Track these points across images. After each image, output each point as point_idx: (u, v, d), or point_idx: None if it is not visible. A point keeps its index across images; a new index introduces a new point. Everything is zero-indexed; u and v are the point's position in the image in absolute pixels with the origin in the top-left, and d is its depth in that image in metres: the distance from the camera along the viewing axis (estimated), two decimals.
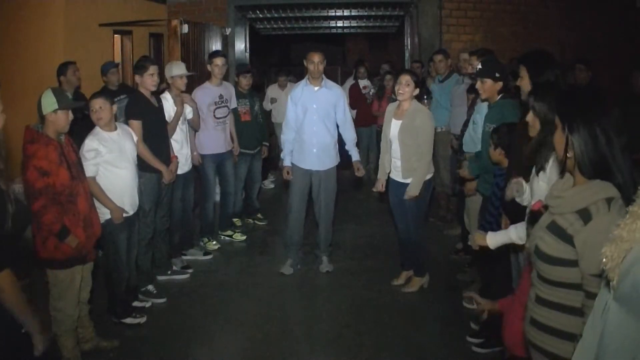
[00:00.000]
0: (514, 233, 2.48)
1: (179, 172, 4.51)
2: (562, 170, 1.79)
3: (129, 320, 3.80)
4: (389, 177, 4.29)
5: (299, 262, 4.72)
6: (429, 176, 4.11)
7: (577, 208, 1.67)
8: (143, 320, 3.82)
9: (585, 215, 1.65)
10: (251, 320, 3.90)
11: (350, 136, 4.61)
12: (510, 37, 7.38)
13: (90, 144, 3.50)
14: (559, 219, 1.73)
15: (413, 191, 4.02)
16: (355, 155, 4.63)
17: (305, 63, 4.49)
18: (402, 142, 4.03)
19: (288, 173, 4.56)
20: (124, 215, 3.63)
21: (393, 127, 4.09)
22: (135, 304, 4.03)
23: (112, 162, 3.55)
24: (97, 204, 3.44)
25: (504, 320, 2.32)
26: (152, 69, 4.13)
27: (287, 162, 4.59)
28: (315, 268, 4.76)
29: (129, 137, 3.77)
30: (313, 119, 4.46)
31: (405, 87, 4.00)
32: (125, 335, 3.66)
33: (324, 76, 4.52)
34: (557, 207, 1.74)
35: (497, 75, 3.54)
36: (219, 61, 5.07)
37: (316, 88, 4.47)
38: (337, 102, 4.52)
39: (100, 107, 3.54)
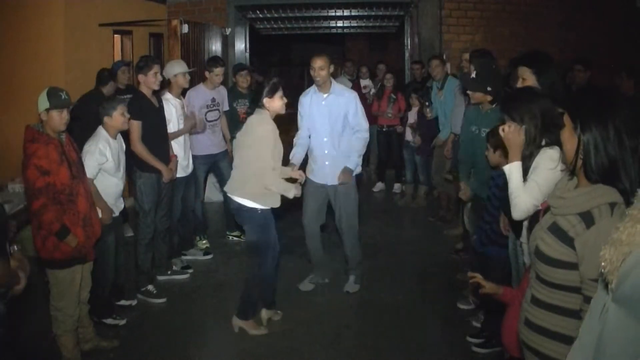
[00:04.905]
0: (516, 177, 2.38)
1: (182, 174, 4.52)
2: (572, 171, 1.74)
3: (109, 321, 3.80)
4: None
5: (320, 277, 4.43)
6: (258, 205, 3.54)
7: (579, 210, 1.64)
8: (122, 322, 3.82)
9: (587, 218, 1.62)
10: None
11: (354, 142, 4.15)
12: (510, 37, 7.38)
13: (104, 150, 3.57)
14: (561, 221, 1.70)
15: None
16: (349, 163, 4.10)
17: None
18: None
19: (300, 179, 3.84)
20: (112, 215, 3.70)
21: None
22: (122, 302, 4.04)
23: (109, 170, 3.62)
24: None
25: (504, 320, 2.32)
26: (156, 68, 4.15)
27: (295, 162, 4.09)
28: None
29: (122, 146, 3.86)
30: (322, 130, 4.10)
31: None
32: (125, 336, 3.67)
33: (332, 81, 4.14)
34: (559, 208, 1.72)
35: (488, 89, 3.54)
36: (219, 71, 5.06)
37: (325, 95, 4.09)
38: (349, 109, 4.08)
39: (124, 112, 3.69)
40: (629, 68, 4.99)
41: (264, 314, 3.80)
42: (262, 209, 3.57)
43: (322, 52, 4.14)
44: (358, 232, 4.38)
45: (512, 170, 2.38)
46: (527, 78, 2.90)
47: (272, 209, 3.66)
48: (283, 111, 3.59)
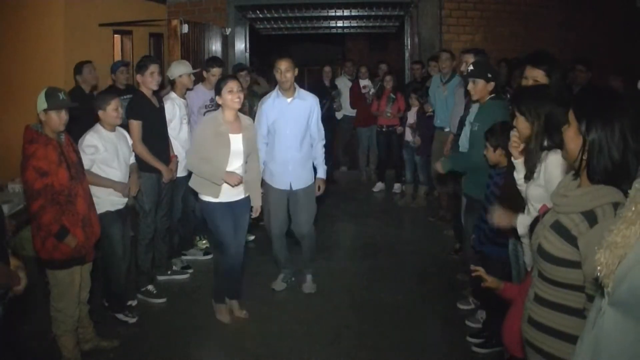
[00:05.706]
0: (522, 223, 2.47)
1: (182, 174, 4.52)
2: (577, 171, 1.73)
3: (120, 316, 3.83)
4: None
5: (291, 276, 4.47)
6: (201, 194, 3.76)
7: (583, 209, 1.64)
8: (134, 320, 3.84)
9: (591, 217, 1.62)
10: (251, 320, 3.90)
11: (319, 151, 4.25)
12: (510, 37, 7.38)
13: (91, 139, 3.60)
14: (564, 219, 1.70)
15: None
16: (321, 173, 4.27)
17: (274, 71, 4.04)
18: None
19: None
20: (116, 208, 3.71)
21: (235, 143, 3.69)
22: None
23: (105, 161, 3.64)
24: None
25: (505, 320, 2.32)
26: (153, 67, 4.15)
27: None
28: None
29: (125, 140, 3.86)
30: (286, 133, 4.07)
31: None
32: (125, 335, 3.66)
33: (296, 85, 4.10)
34: (562, 207, 1.71)
35: (489, 75, 3.56)
36: (217, 72, 5.03)
37: (289, 99, 4.06)
38: (312, 113, 4.13)
39: (118, 107, 3.71)
40: (617, 68, 5.03)
41: (227, 303, 3.95)
42: (205, 200, 3.73)
43: (286, 55, 4.11)
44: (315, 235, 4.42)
45: (519, 225, 2.47)
46: (540, 79, 2.88)
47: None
48: (236, 105, 3.64)
